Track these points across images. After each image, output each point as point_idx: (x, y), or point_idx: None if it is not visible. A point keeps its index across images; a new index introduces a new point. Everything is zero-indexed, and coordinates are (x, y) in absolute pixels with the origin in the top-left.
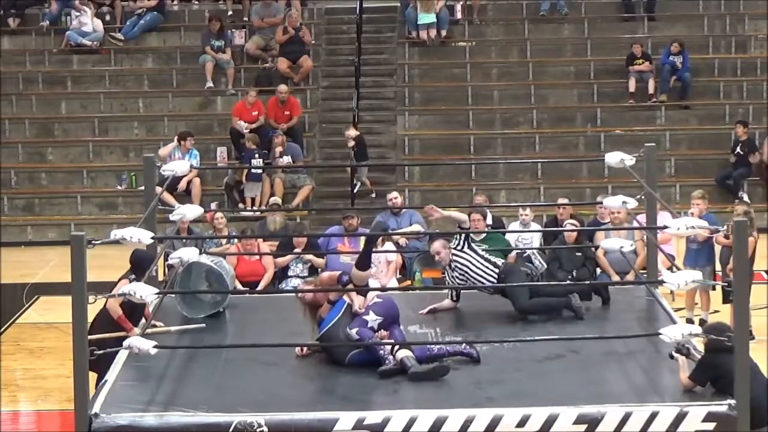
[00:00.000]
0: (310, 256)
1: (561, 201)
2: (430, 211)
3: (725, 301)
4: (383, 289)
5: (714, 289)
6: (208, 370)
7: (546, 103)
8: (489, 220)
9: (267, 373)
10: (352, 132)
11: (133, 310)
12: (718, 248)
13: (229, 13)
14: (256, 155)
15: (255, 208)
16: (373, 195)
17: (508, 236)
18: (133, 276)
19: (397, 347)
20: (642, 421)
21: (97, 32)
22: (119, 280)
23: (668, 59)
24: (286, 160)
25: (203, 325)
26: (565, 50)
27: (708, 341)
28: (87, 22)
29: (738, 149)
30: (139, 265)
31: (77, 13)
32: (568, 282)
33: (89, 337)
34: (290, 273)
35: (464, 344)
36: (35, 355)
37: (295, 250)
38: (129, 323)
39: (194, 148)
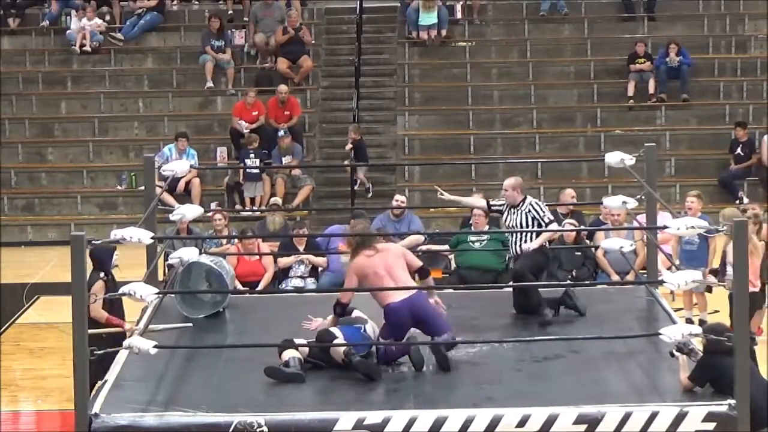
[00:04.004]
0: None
1: (568, 191)
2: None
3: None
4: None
5: (710, 291)
6: (208, 370)
7: (546, 103)
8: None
9: None
10: (352, 135)
11: (112, 306)
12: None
13: (229, 13)
14: (251, 155)
15: (255, 208)
16: (369, 194)
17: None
18: (102, 274)
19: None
20: (642, 421)
21: (97, 32)
22: (91, 282)
23: (664, 60)
24: (288, 159)
25: (190, 324)
26: (565, 50)
27: (707, 342)
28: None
29: (738, 150)
30: (100, 260)
31: (77, 13)
32: (567, 282)
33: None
34: (291, 273)
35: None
36: (35, 355)
37: (299, 249)
38: (117, 319)
39: (190, 147)
